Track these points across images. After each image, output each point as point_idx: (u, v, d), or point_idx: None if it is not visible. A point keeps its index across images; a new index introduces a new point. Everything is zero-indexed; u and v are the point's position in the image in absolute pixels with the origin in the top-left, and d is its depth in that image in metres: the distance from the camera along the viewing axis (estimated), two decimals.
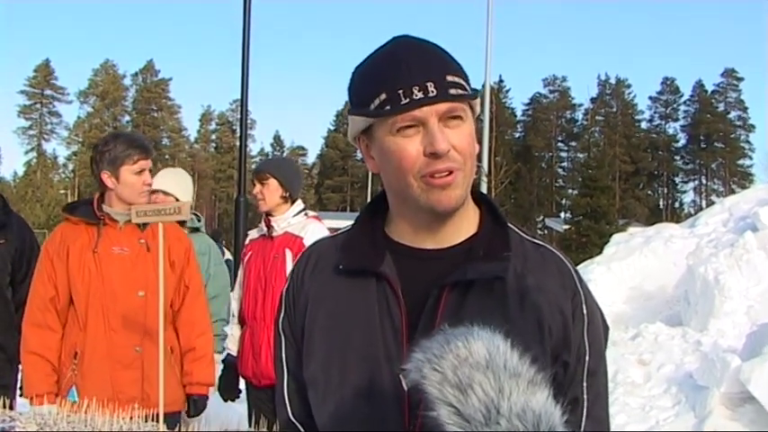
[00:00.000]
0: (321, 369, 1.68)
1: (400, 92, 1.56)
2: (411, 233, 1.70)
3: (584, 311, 1.66)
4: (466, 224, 1.71)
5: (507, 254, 1.65)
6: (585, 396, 1.64)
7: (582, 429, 1.63)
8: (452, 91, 1.58)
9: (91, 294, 4.02)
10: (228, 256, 11.27)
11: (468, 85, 1.63)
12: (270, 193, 4.95)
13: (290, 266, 4.47)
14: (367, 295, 1.67)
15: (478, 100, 1.68)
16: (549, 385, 1.23)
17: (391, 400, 1.59)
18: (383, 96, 1.58)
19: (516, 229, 1.74)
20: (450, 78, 1.59)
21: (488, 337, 1.25)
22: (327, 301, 1.71)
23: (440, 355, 1.23)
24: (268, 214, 5.00)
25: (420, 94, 1.56)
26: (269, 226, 5.00)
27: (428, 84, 1.56)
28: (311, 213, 5.12)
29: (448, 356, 1.22)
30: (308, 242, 4.54)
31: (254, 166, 6.03)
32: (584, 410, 1.64)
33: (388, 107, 1.58)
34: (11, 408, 3.68)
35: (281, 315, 1.80)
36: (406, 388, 1.33)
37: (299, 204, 5.06)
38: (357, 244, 1.73)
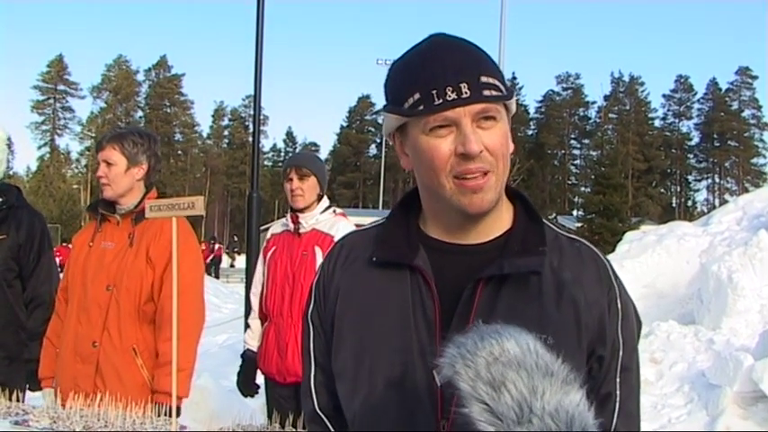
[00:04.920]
0: (352, 360, 1.68)
1: (434, 92, 1.56)
2: (445, 229, 1.70)
3: (619, 306, 1.66)
4: (500, 220, 1.70)
5: (543, 248, 1.65)
6: (618, 392, 1.64)
7: (614, 424, 1.63)
8: (486, 92, 1.57)
9: (73, 287, 4.09)
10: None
11: (504, 85, 1.62)
12: (309, 190, 4.88)
13: (319, 264, 4.40)
14: (400, 288, 1.66)
15: (515, 99, 1.67)
16: (583, 385, 1.21)
17: (424, 392, 1.59)
18: (417, 96, 1.58)
19: (551, 225, 1.74)
20: (484, 79, 1.58)
21: (522, 336, 1.24)
22: (359, 293, 1.71)
23: (473, 352, 1.22)
24: (298, 210, 4.92)
25: (453, 95, 1.55)
26: (296, 222, 4.92)
27: (462, 84, 1.55)
28: (339, 210, 5.04)
29: (481, 353, 1.21)
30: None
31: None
32: (617, 405, 1.64)
33: (421, 107, 1.58)
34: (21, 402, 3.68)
35: (311, 307, 1.80)
36: (439, 383, 1.31)
37: (326, 201, 4.99)
38: (391, 237, 1.73)
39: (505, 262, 1.62)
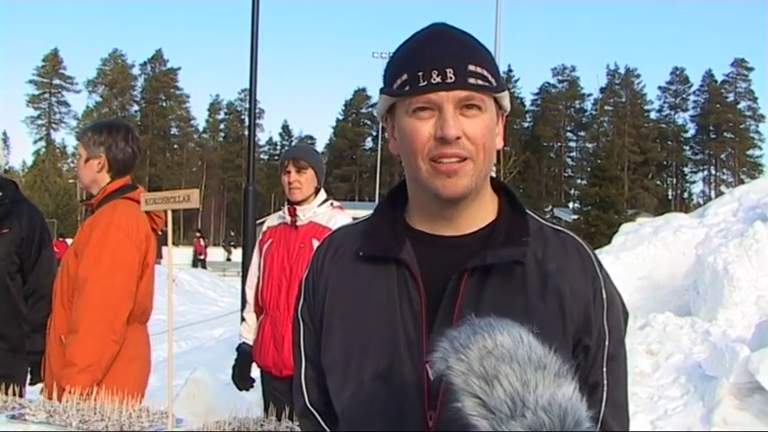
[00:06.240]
0: (341, 354, 1.69)
1: (420, 74, 1.59)
2: (429, 220, 1.72)
3: (604, 296, 1.67)
4: (483, 212, 1.72)
5: (526, 239, 1.66)
6: (605, 381, 1.65)
7: (602, 414, 1.63)
8: (471, 80, 1.60)
9: None
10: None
11: (496, 79, 1.64)
12: (307, 182, 4.88)
13: None
14: (387, 281, 1.68)
15: (508, 96, 1.69)
16: (575, 378, 1.21)
17: (411, 385, 1.60)
18: (404, 77, 1.62)
19: (535, 216, 1.75)
20: (471, 68, 1.60)
21: (515, 328, 1.23)
22: (347, 288, 1.73)
23: (466, 346, 1.21)
24: (295, 203, 4.93)
25: (438, 79, 1.58)
26: (293, 215, 4.92)
27: (448, 70, 1.58)
28: (336, 203, 5.05)
29: (474, 347, 1.20)
30: None
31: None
32: (605, 395, 1.65)
33: (406, 88, 1.62)
34: (20, 395, 3.69)
35: (301, 302, 1.82)
36: (432, 377, 1.30)
37: (323, 194, 5.00)
38: (377, 231, 1.75)
39: (489, 253, 1.63)
